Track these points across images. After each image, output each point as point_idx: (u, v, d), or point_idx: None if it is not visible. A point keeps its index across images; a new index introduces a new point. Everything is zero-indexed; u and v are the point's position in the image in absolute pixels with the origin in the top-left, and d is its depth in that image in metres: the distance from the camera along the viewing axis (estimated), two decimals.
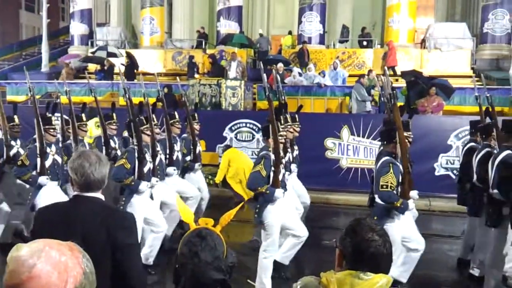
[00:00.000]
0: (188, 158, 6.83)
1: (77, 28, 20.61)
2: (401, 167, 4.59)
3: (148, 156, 5.45)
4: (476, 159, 5.42)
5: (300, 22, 18.04)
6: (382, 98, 8.68)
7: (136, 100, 6.20)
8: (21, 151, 6.43)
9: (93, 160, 2.28)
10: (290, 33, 19.21)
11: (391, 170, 4.48)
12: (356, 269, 1.75)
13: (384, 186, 4.49)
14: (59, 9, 31.27)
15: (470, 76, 15.05)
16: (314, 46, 17.32)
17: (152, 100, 7.05)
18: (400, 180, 4.58)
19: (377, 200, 4.67)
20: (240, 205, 2.12)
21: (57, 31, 25.83)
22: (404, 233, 4.68)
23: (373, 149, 9.03)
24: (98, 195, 2.34)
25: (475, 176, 5.38)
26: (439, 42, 16.50)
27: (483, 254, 5.21)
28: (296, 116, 6.78)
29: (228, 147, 9.46)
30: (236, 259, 1.83)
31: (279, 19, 22.48)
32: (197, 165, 6.87)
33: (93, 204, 2.32)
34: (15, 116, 6.72)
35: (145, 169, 5.32)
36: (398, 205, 4.49)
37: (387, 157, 4.63)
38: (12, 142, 6.51)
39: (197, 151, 6.89)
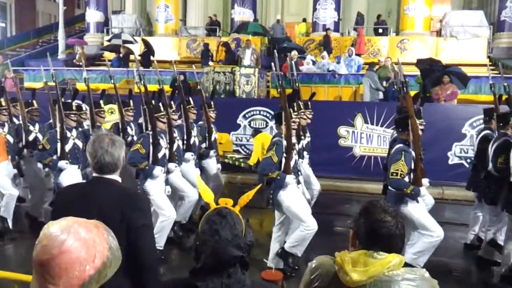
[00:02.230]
0: (203, 145, 6.92)
1: (92, 16, 20.74)
2: (413, 154, 4.63)
3: (163, 142, 5.55)
4: (492, 147, 5.40)
5: (314, 9, 17.95)
6: (394, 87, 8.68)
7: (150, 87, 6.27)
8: (39, 136, 6.60)
9: (105, 144, 2.36)
10: (304, 20, 19.11)
11: (403, 158, 4.52)
12: (369, 249, 1.81)
13: (394, 174, 4.53)
14: None
15: (486, 65, 14.85)
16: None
17: (169, 89, 7.15)
18: (412, 167, 4.62)
19: (389, 187, 4.73)
20: (258, 187, 2.19)
21: (73, 19, 26.01)
22: (420, 220, 4.71)
23: (387, 137, 9.01)
24: (115, 177, 2.42)
25: (490, 164, 5.38)
26: (455, 30, 16.30)
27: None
28: (309, 103, 6.81)
29: (257, 131, 9.56)
30: (254, 238, 1.91)
31: (294, 6, 22.33)
32: (212, 152, 6.95)
33: (110, 185, 2.41)
34: (34, 101, 6.88)
35: (160, 155, 5.44)
36: (409, 191, 4.54)
37: (400, 145, 4.67)
38: (31, 127, 6.68)
39: (212, 139, 6.97)
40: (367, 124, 9.45)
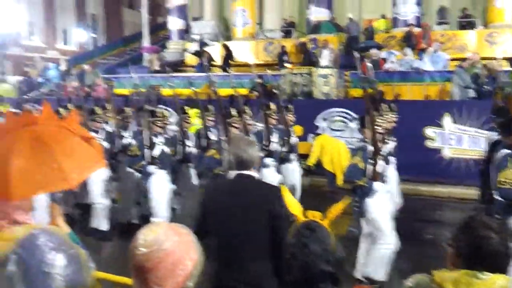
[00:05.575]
0: (283, 149, 6.87)
1: (174, 23, 21.55)
2: None
3: None
4: None
5: (394, 4, 17.29)
6: (485, 86, 8.08)
7: (228, 92, 6.29)
8: (133, 142, 6.89)
9: (242, 144, 2.70)
10: (383, 16, 18.51)
11: (509, 165, 4.16)
12: (472, 269, 1.70)
13: (503, 182, 4.19)
14: (157, 5, 32.94)
15: None
16: None
17: (243, 92, 7.18)
18: None
19: (496, 196, 4.38)
20: (348, 201, 2.13)
21: (156, 26, 27.19)
22: None
23: (479, 139, 8.45)
24: (252, 173, 2.70)
25: None
26: None
27: None
28: (393, 104, 6.54)
29: (317, 134, 9.49)
30: (344, 253, 1.85)
31: (371, 3, 21.63)
32: (292, 156, 6.88)
33: (251, 179, 2.73)
34: (126, 108, 7.23)
35: None
36: None
37: (506, 150, 4.28)
38: (123, 133, 7.01)
39: (292, 142, 6.90)
40: (456, 125, 8.93)
